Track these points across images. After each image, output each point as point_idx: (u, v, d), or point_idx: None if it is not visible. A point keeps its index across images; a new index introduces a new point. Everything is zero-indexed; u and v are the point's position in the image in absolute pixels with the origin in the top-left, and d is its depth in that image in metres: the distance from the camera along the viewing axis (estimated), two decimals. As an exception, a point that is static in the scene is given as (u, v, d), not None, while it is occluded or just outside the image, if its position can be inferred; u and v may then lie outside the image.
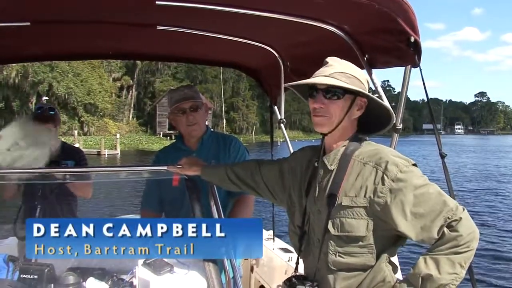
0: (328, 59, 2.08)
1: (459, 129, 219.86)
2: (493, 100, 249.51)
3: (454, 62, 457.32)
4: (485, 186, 27.37)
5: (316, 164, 2.13)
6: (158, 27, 3.01)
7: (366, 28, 2.52)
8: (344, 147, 2.06)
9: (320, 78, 1.99)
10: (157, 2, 2.39)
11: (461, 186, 26.41)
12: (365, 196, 1.94)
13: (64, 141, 4.43)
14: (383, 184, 1.90)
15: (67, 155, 3.87)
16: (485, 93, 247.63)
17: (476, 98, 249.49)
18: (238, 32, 3.20)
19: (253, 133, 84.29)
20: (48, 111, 4.09)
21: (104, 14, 2.83)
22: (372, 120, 2.11)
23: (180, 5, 2.46)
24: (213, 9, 2.50)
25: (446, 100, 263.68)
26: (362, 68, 2.66)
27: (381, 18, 2.24)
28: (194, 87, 3.43)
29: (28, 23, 2.78)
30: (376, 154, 1.99)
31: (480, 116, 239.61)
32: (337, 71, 2.00)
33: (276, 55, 3.50)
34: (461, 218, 1.82)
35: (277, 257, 4.27)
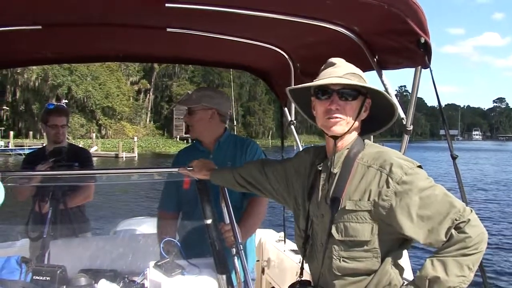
0: (334, 59, 2.05)
1: (476, 135, 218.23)
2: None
3: (473, 68, 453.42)
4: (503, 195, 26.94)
5: (319, 168, 2.10)
6: (168, 29, 3.01)
7: (375, 29, 2.49)
8: (347, 150, 2.02)
9: (335, 78, 1.95)
10: (166, 5, 2.39)
11: (479, 194, 26.13)
12: (369, 200, 1.90)
13: (72, 142, 4.51)
14: (388, 187, 1.86)
15: (73, 156, 3.92)
16: (504, 98, 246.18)
17: (495, 104, 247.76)
18: (247, 34, 3.19)
19: (270, 138, 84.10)
20: (60, 106, 4.18)
21: (114, 16, 2.85)
22: (372, 121, 2.08)
23: (190, 7, 2.46)
24: (222, 11, 2.50)
25: (464, 105, 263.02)
26: (372, 69, 2.65)
27: (390, 19, 2.21)
28: (207, 90, 3.46)
29: (40, 27, 2.81)
30: (380, 156, 1.95)
31: (498, 122, 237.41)
32: (348, 71, 1.98)
33: (286, 56, 3.48)
34: (469, 219, 1.76)
35: (288, 258, 4.25)
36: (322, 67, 2.06)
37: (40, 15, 2.73)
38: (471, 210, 1.81)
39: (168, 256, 2.67)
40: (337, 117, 1.96)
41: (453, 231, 1.77)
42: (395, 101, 2.07)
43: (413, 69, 2.46)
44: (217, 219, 2.90)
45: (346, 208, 1.94)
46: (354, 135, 2.04)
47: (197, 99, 3.28)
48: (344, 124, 1.98)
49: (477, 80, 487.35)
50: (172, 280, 2.53)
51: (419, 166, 1.93)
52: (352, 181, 1.95)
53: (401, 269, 2.00)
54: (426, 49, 2.23)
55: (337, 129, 1.98)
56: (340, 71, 1.97)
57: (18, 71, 56.40)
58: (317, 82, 1.99)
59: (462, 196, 2.16)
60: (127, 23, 2.97)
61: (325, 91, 1.98)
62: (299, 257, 4.08)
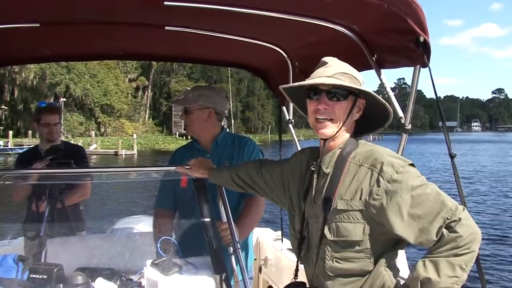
0: (326, 59, 2.03)
1: (476, 126, 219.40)
2: (511, 96, 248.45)
3: (471, 59, 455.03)
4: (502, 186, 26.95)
5: (312, 168, 2.09)
6: (167, 28, 3.01)
7: (375, 28, 2.48)
8: (340, 149, 2.00)
9: (323, 78, 1.94)
10: (165, 3, 2.39)
11: (478, 186, 26.14)
12: (360, 199, 1.88)
13: (66, 141, 4.51)
14: (378, 186, 1.84)
15: (68, 154, 3.92)
16: (503, 89, 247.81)
17: (494, 95, 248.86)
18: (246, 32, 3.18)
19: (269, 133, 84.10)
20: (51, 104, 4.18)
21: (112, 15, 2.84)
22: (369, 120, 2.06)
23: (188, 6, 2.46)
24: (221, 9, 2.49)
25: (463, 97, 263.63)
26: (371, 68, 2.64)
27: (390, 17, 2.21)
28: (204, 89, 3.43)
29: (38, 25, 2.80)
30: (372, 155, 1.93)
31: (497, 113, 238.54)
32: (339, 71, 1.96)
33: (285, 55, 3.48)
34: (460, 218, 1.74)
35: (285, 257, 4.25)
36: (316, 67, 2.05)
37: (38, 13, 2.72)
38: (464, 209, 1.79)
39: (165, 254, 2.67)
40: (325, 118, 1.96)
41: (444, 230, 1.75)
42: (393, 100, 2.05)
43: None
44: (214, 218, 2.90)
45: (338, 208, 1.92)
46: (346, 134, 2.03)
47: (193, 99, 3.27)
48: (333, 125, 1.97)
49: (476, 71, 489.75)
50: (169, 279, 2.52)
51: (411, 164, 1.90)
52: (344, 181, 1.94)
53: (395, 271, 1.98)
54: (425, 48, 2.22)
55: (326, 131, 1.97)
56: (330, 71, 1.96)
57: (16, 70, 56.50)
58: (305, 81, 1.99)
59: (460, 194, 2.15)
60: (126, 21, 2.96)
61: (315, 91, 1.97)
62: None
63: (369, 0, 2.10)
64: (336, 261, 1.95)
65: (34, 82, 60.33)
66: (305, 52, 3.33)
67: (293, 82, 3.44)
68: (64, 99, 60.10)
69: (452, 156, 2.30)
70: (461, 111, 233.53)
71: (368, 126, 2.09)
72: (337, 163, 1.98)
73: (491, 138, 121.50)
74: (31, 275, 2.58)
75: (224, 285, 2.54)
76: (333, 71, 1.96)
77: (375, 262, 1.92)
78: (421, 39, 2.20)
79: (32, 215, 3.75)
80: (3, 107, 60.53)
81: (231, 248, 2.78)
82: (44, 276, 2.56)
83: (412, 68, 2.44)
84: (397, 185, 1.81)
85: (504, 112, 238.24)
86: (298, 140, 3.97)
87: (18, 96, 60.80)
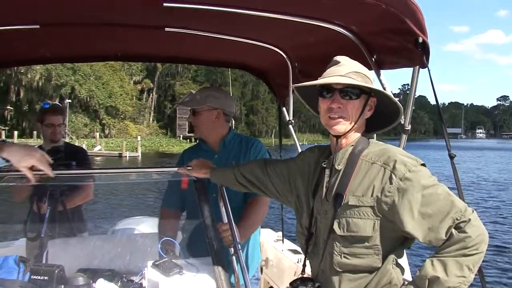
0: (338, 58, 2.05)
1: (480, 133, 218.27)
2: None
3: (476, 65, 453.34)
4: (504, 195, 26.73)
5: (323, 165, 2.11)
6: (166, 29, 3.01)
7: (373, 28, 2.49)
8: (352, 147, 2.03)
9: (337, 77, 1.96)
10: (164, 4, 2.39)
11: (481, 193, 25.99)
12: (372, 196, 1.90)
13: (67, 141, 4.51)
14: (391, 183, 1.87)
15: (69, 155, 3.92)
16: (508, 96, 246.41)
17: (498, 102, 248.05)
18: (246, 33, 3.19)
19: (273, 136, 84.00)
20: (55, 105, 4.19)
21: (111, 16, 2.85)
22: (377, 119, 2.09)
23: (188, 7, 2.46)
24: (220, 10, 2.49)
25: (468, 104, 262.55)
26: (370, 68, 2.64)
27: (388, 18, 2.21)
28: (211, 90, 3.45)
29: (37, 26, 2.81)
30: (384, 153, 1.96)
31: (502, 120, 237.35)
32: (352, 70, 1.98)
33: (284, 56, 3.48)
34: (469, 219, 1.77)
35: (286, 258, 4.26)
36: (328, 65, 2.07)
37: (38, 14, 2.74)
38: (473, 211, 1.81)
39: (166, 255, 2.67)
40: (338, 117, 1.98)
41: (453, 230, 1.77)
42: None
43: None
44: (215, 219, 2.89)
45: (349, 203, 1.95)
46: (358, 132, 2.06)
47: (201, 100, 3.29)
48: (346, 123, 1.99)
49: (481, 78, 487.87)
50: (170, 280, 2.52)
51: (423, 164, 1.93)
52: (356, 177, 1.97)
53: (401, 269, 2.00)
54: (424, 49, 2.23)
55: (339, 128, 2.00)
56: (343, 70, 1.98)
57: (22, 71, 56.65)
58: (319, 80, 2.01)
59: (460, 195, 2.15)
60: (125, 22, 2.97)
61: (328, 89, 1.99)
62: (297, 257, 4.11)
63: (367, 0, 2.10)
64: (344, 256, 1.97)
65: (40, 83, 60.46)
66: (305, 53, 3.35)
67: (293, 83, 3.47)
68: (69, 101, 60.25)
69: (451, 157, 2.33)
70: (465, 118, 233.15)
71: (376, 124, 2.13)
72: (349, 160, 2.01)
73: (496, 145, 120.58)
74: (32, 276, 2.57)
75: (224, 285, 2.54)
76: (346, 70, 1.98)
77: (383, 259, 1.94)
78: (420, 39, 2.21)
79: (33, 216, 3.76)
80: (8, 107, 60.68)
81: (232, 249, 2.78)
82: (45, 277, 2.55)
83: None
84: (409, 183, 1.84)
85: (508, 119, 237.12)
86: (301, 145, 3.97)
87: (24, 97, 60.92)
